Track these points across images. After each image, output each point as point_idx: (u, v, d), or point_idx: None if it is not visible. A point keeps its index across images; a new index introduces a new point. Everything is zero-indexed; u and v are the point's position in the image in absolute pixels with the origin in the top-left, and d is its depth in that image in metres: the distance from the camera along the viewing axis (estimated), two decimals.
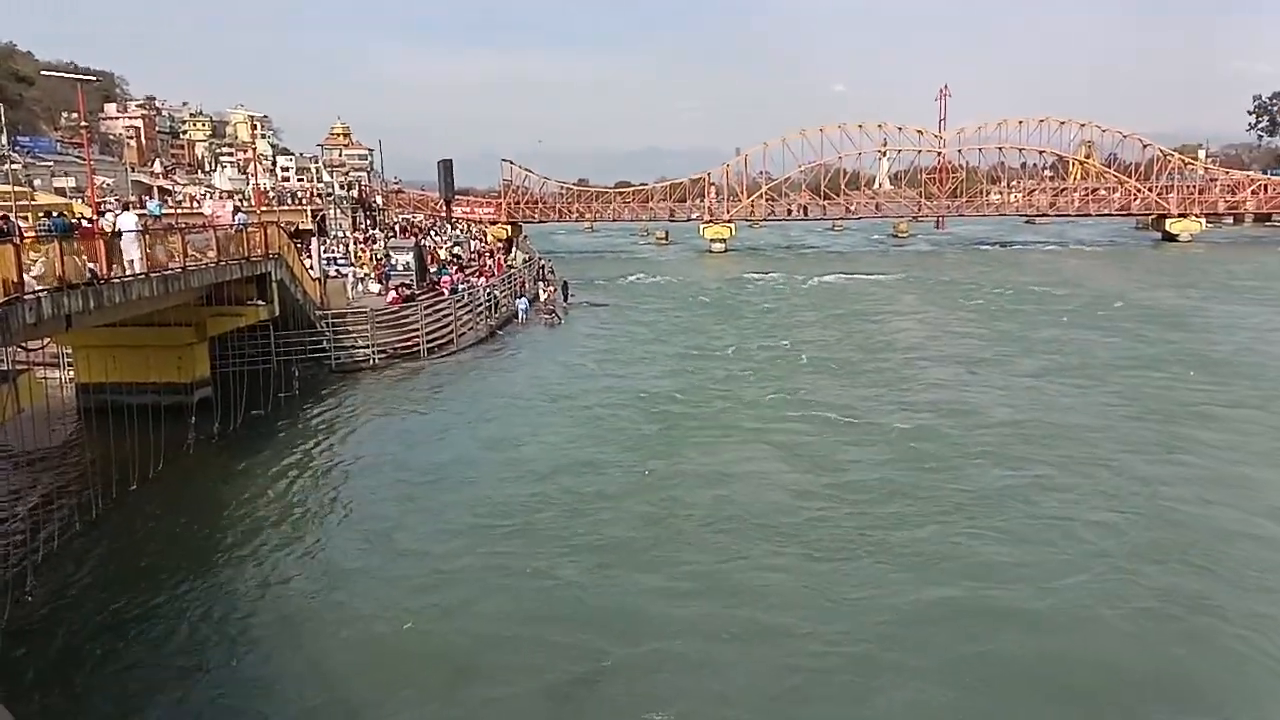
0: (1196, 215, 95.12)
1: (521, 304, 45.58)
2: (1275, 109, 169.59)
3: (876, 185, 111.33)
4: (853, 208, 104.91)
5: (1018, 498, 18.09)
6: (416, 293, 38.29)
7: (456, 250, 53.92)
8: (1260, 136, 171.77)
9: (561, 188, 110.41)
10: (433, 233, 63.13)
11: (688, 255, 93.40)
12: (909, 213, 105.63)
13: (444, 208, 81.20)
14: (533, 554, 15.77)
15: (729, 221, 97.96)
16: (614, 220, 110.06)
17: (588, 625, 13.30)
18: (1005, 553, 15.50)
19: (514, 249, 64.08)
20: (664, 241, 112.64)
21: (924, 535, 16.31)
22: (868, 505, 17.81)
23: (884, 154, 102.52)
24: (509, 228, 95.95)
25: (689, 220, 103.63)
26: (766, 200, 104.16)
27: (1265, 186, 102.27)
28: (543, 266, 59.24)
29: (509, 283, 47.80)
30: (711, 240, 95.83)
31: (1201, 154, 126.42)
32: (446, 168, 76.92)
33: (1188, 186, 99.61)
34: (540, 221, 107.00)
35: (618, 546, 16.08)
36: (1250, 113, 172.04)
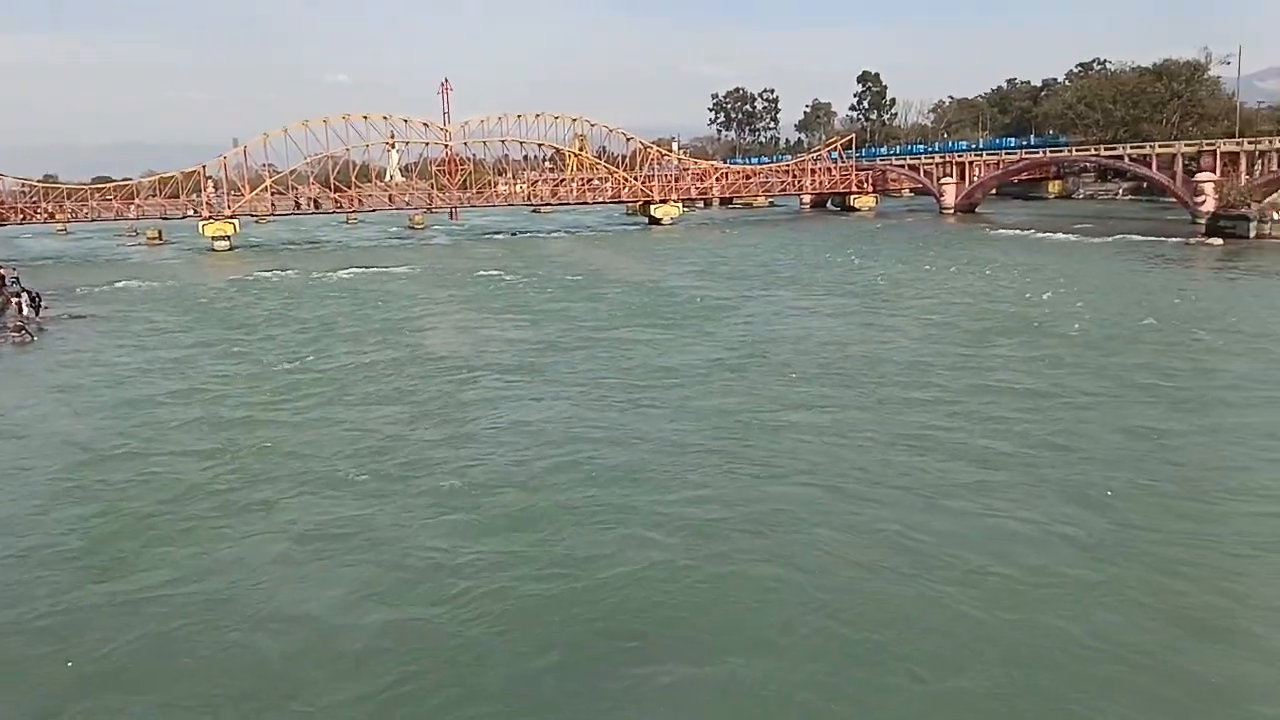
0: (675, 201, 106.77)
1: None
2: (729, 106, 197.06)
3: (388, 177, 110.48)
4: (365, 200, 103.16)
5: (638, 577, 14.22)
6: None
7: None
8: (719, 130, 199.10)
9: (24, 185, 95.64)
10: None
11: (187, 256, 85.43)
12: (423, 204, 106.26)
13: None
14: None
15: (232, 218, 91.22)
16: (93, 220, 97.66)
17: None
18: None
19: None
20: (157, 241, 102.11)
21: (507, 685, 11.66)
22: (429, 640, 12.69)
23: (393, 146, 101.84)
24: None
25: (185, 218, 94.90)
26: (273, 194, 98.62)
27: (726, 174, 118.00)
28: (2, 276, 50.55)
29: None
30: (214, 238, 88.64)
31: (675, 146, 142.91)
32: None
33: (666, 176, 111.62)
34: None
35: None
36: (710, 109, 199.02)
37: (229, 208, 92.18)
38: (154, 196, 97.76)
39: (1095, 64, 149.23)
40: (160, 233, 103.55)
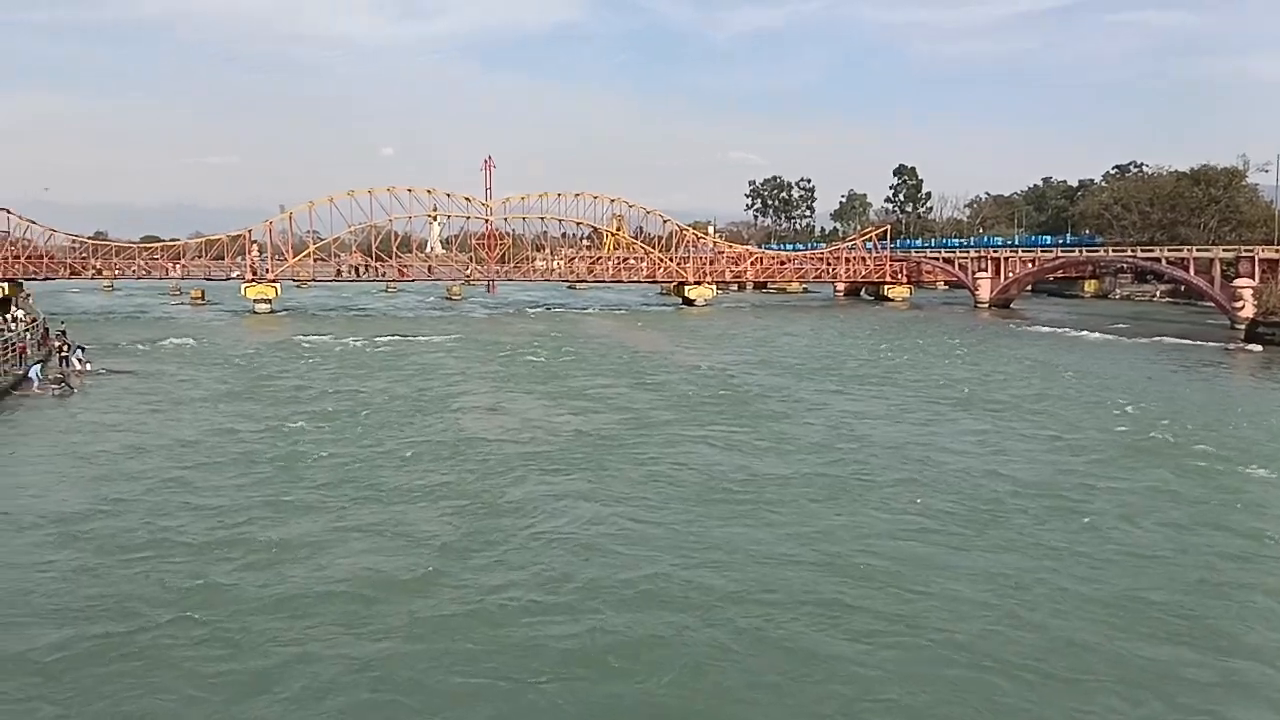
0: (709, 283, 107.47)
1: (35, 371, 40.00)
2: (766, 193, 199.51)
3: (429, 249, 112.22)
4: (406, 270, 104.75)
5: None
6: None
7: None
8: (755, 216, 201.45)
9: (74, 241, 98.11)
10: None
11: (229, 317, 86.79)
12: (461, 276, 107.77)
13: None
14: None
15: (275, 281, 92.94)
16: (139, 278, 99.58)
17: None
18: None
19: (13, 308, 55.10)
20: (200, 302, 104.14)
21: None
22: None
23: (434, 219, 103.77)
24: (5, 285, 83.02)
25: (228, 279, 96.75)
26: (316, 260, 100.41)
27: (761, 259, 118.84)
28: (47, 329, 51.64)
29: (6, 348, 41.05)
30: (255, 300, 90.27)
31: (711, 229, 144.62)
32: None
33: (701, 258, 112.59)
34: (47, 278, 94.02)
35: None
36: (746, 195, 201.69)
37: (271, 271, 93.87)
38: (200, 258, 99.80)
39: (1132, 166, 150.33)
40: (203, 293, 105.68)
